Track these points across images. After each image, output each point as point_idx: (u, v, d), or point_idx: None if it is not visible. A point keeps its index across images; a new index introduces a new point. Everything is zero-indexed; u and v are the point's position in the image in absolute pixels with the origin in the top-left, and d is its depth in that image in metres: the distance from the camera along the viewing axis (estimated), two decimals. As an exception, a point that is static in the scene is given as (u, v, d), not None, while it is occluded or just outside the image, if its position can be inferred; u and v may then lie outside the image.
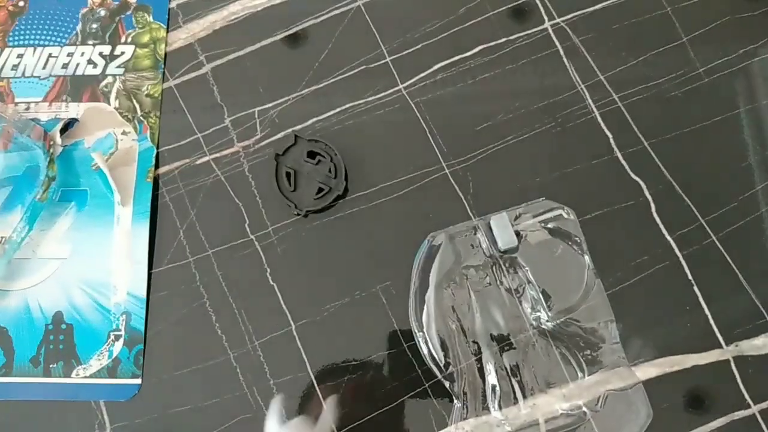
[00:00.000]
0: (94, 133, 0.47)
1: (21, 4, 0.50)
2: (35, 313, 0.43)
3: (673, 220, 0.44)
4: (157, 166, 0.46)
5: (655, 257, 0.44)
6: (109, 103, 0.47)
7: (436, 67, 0.47)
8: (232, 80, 0.48)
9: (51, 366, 0.42)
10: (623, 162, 0.45)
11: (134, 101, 0.47)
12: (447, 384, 0.40)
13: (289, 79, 0.47)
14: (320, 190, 0.44)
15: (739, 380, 0.42)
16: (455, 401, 0.41)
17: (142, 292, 0.43)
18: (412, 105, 0.47)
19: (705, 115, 0.46)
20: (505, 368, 0.41)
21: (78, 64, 0.48)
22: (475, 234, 0.43)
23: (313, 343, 0.42)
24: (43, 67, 0.48)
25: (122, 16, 0.49)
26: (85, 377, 0.42)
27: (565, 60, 0.47)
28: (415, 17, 0.49)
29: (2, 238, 0.43)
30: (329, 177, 0.44)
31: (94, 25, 0.49)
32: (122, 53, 0.48)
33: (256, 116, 0.47)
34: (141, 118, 0.47)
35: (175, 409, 0.42)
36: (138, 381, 0.42)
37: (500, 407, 0.40)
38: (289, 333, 0.43)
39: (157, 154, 0.46)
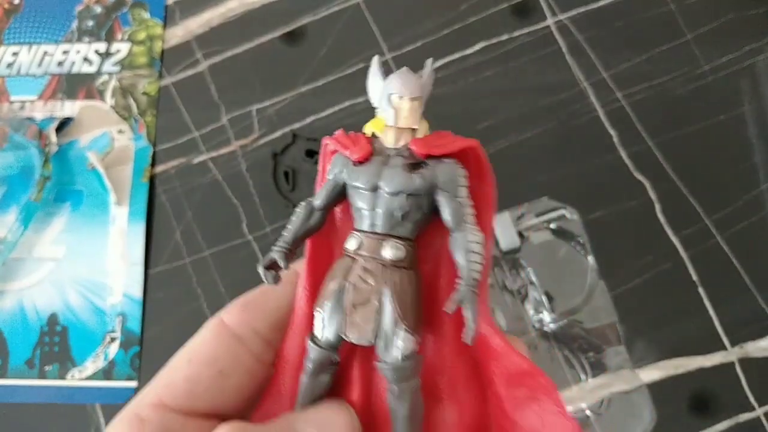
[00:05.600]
0: (90, 131, 0.46)
1: (16, 1, 0.49)
2: (30, 315, 0.43)
3: (678, 219, 0.44)
4: (153, 165, 0.45)
5: (659, 258, 0.43)
6: (104, 102, 0.47)
7: (436, 64, 0.47)
8: (229, 78, 0.47)
9: (46, 368, 0.42)
10: (627, 161, 0.45)
11: (130, 99, 0.47)
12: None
13: (287, 76, 0.47)
14: (319, 189, 0.44)
15: (744, 382, 0.41)
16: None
17: (138, 293, 0.43)
18: (413, 103, 0.46)
19: (709, 113, 0.46)
20: (507, 370, 0.40)
21: (73, 62, 0.48)
22: (476, 234, 0.42)
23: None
24: (39, 65, 0.48)
25: (118, 13, 0.49)
26: (81, 379, 0.42)
27: (568, 57, 0.47)
28: (415, 13, 0.48)
29: (-4, 238, 0.43)
30: (328, 176, 0.44)
31: (90, 23, 0.49)
32: (118, 51, 0.48)
33: (254, 114, 0.46)
34: (137, 116, 0.46)
35: (171, 412, 0.41)
36: (134, 383, 0.42)
37: (502, 410, 0.39)
38: (288, 335, 0.42)
39: (154, 153, 0.46)
